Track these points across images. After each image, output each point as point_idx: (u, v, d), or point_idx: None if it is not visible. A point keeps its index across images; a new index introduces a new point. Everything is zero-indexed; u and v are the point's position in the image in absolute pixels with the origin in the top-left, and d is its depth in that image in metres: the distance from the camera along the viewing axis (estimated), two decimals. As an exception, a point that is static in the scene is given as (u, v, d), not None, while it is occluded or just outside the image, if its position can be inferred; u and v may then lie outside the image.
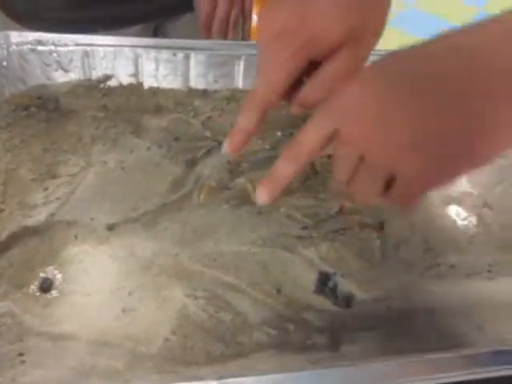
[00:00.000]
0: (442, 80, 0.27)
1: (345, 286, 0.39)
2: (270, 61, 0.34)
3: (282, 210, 0.43)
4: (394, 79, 0.28)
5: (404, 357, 0.34)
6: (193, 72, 0.50)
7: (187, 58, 0.49)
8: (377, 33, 0.35)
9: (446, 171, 0.29)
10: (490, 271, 0.45)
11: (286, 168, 0.32)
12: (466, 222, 0.49)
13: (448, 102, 0.26)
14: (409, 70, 0.28)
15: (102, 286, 0.37)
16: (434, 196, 0.51)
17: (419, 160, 0.28)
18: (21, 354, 0.32)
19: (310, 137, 0.31)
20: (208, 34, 0.64)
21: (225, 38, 0.64)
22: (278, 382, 0.30)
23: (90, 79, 0.49)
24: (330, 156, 0.51)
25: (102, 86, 0.49)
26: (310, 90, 0.35)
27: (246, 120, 0.35)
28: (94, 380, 0.31)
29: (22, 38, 0.47)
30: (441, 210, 0.50)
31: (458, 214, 0.50)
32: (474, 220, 0.50)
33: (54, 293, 0.36)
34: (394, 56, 0.29)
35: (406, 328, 0.38)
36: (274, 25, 0.33)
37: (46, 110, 0.48)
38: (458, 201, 0.51)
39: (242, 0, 0.65)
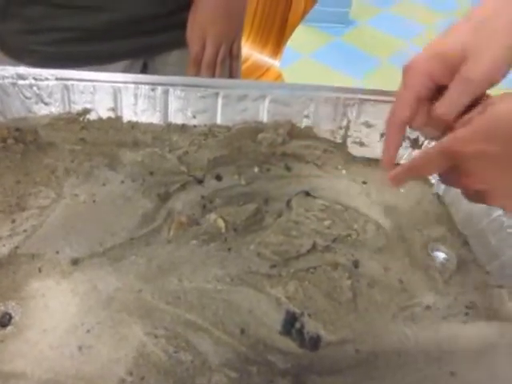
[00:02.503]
0: None
1: (312, 326, 0.38)
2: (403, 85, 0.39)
3: (252, 247, 0.43)
4: None
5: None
6: (171, 107, 0.51)
7: (166, 93, 0.50)
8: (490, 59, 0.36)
9: None
10: (467, 314, 0.44)
11: (404, 175, 0.38)
12: (445, 263, 0.48)
13: None
14: None
15: (61, 322, 0.36)
16: (414, 235, 0.50)
17: None
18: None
19: (432, 166, 0.37)
20: (197, 72, 0.65)
21: (212, 75, 0.66)
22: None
23: (69, 112, 0.50)
24: (307, 194, 0.50)
25: (81, 119, 0.50)
26: (443, 106, 0.37)
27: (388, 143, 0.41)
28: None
29: (3, 71, 0.48)
30: (419, 249, 0.49)
31: (437, 254, 0.49)
32: (453, 260, 0.49)
33: (10, 328, 0.35)
34: None
35: (374, 372, 0.37)
36: None
37: (25, 142, 0.48)
38: (438, 240, 0.50)
39: (232, 41, 0.67)
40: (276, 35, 1.27)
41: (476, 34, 0.36)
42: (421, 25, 2.76)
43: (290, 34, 1.24)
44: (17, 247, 0.39)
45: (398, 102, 0.40)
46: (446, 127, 0.39)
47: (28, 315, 0.36)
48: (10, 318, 0.36)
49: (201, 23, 0.62)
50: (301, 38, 2.26)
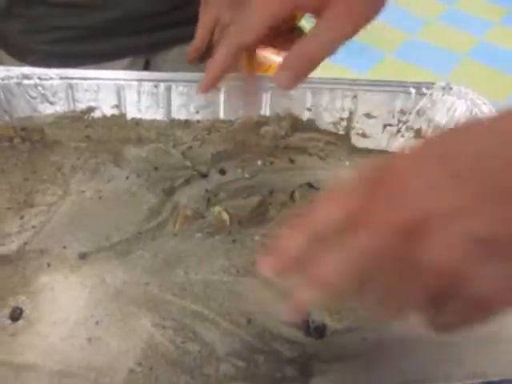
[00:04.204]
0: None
1: (317, 315, 0.39)
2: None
3: (257, 237, 0.43)
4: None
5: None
6: (174, 103, 0.51)
7: (169, 89, 0.51)
8: None
9: None
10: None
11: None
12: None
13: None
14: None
15: (70, 314, 0.36)
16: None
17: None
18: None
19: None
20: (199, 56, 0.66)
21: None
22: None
23: (74, 111, 0.50)
24: (311, 185, 0.51)
25: (85, 117, 0.51)
26: (305, 45, 0.32)
27: (217, 56, 0.34)
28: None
29: (8, 72, 0.48)
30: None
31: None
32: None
33: (21, 321, 0.36)
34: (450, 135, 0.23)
35: (381, 359, 0.37)
36: None
37: (31, 140, 0.49)
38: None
39: None
40: (278, 31, 1.27)
41: None
42: (424, 17, 2.75)
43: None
44: (26, 243, 0.40)
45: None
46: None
47: (38, 309, 0.37)
48: (21, 312, 0.37)
49: (215, 6, 0.62)
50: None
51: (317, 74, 0.56)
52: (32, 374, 0.33)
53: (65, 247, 0.40)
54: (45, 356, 0.34)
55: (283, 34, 0.37)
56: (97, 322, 0.36)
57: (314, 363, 0.36)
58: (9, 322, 0.36)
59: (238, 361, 0.35)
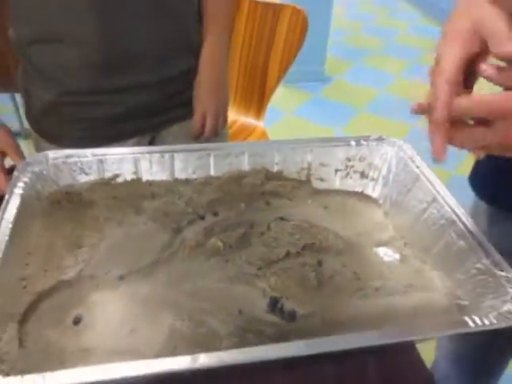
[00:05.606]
0: None
1: (289, 305, 0.55)
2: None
3: (244, 257, 0.60)
4: None
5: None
6: (177, 167, 0.70)
7: (172, 157, 0.69)
8: None
9: None
10: (405, 291, 0.60)
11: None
12: (391, 259, 0.65)
13: None
14: None
15: (116, 317, 0.52)
16: (366, 241, 0.67)
17: None
18: (62, 362, 0.47)
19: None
20: (200, 139, 0.87)
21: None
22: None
23: (103, 178, 0.68)
24: (282, 219, 0.68)
25: (112, 182, 0.69)
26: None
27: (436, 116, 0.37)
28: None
29: (56, 154, 0.67)
30: (372, 250, 0.66)
31: (385, 253, 0.66)
32: (397, 256, 0.65)
33: (82, 325, 0.52)
34: None
35: (334, 333, 0.53)
36: None
37: (73, 201, 0.66)
38: (386, 243, 0.67)
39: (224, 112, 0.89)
40: (257, 101, 1.49)
41: None
42: (391, 74, 3.05)
43: (269, 98, 1.47)
44: (80, 271, 0.56)
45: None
46: None
47: (92, 316, 0.53)
48: (81, 318, 0.52)
49: (202, 103, 0.84)
50: (283, 98, 2.52)
51: (299, 135, 0.74)
52: (93, 354, 0.48)
53: (107, 272, 0.57)
54: (100, 345, 0.50)
55: None
56: (135, 320, 0.52)
57: (288, 339, 0.52)
58: (72, 325, 0.52)
59: (234, 338, 0.51)
